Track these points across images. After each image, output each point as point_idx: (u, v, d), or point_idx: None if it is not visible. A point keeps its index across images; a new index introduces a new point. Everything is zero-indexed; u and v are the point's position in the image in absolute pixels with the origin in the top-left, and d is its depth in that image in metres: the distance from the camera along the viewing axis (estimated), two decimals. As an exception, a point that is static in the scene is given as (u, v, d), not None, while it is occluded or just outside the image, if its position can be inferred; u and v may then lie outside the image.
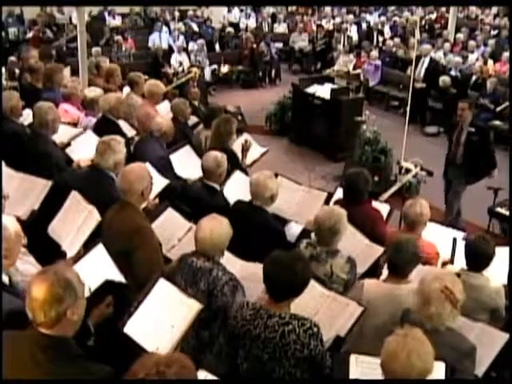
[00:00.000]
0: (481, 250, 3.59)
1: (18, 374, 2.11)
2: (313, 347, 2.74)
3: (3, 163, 4.33)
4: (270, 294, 2.83)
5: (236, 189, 4.58)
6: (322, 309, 3.15)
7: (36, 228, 3.86)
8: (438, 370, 2.52)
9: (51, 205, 4.01)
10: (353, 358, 2.69)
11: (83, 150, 4.92)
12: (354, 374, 2.66)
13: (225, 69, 13.23)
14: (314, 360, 2.79)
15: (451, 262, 4.00)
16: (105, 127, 5.26)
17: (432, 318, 2.79)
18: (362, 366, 2.67)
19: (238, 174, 4.79)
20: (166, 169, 4.73)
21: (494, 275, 3.67)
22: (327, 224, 3.57)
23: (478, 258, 3.61)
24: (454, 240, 4.05)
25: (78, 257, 3.32)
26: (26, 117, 5.46)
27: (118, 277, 3.19)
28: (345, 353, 2.89)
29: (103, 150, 4.10)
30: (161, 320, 2.82)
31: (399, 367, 2.26)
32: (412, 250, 3.27)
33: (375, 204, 4.63)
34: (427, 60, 11.27)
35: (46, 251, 3.73)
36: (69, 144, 5.05)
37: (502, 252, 3.81)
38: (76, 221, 3.73)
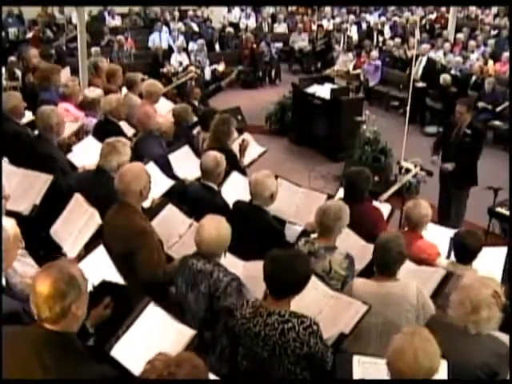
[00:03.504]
0: (467, 242, 3.68)
1: (21, 371, 2.10)
2: (312, 345, 2.75)
3: (5, 159, 4.33)
4: (270, 292, 2.84)
5: (234, 189, 4.58)
6: (325, 308, 3.15)
7: (37, 230, 3.87)
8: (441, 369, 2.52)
9: (54, 208, 4.00)
10: (355, 358, 2.71)
11: (85, 155, 4.92)
12: (356, 374, 2.67)
13: (221, 67, 13.19)
14: (314, 357, 2.80)
15: (448, 258, 4.02)
16: (106, 128, 5.27)
17: (480, 324, 2.79)
18: (363, 366, 2.68)
19: (235, 175, 4.78)
20: (164, 167, 4.73)
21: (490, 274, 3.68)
22: (332, 209, 3.63)
23: (465, 251, 3.70)
24: (451, 239, 4.06)
25: (79, 258, 3.32)
26: (28, 117, 5.45)
27: (117, 278, 3.18)
28: (347, 353, 2.90)
29: (108, 151, 4.11)
30: (150, 345, 2.74)
31: (405, 365, 2.25)
32: (397, 248, 3.29)
33: (376, 204, 4.63)
34: (424, 59, 11.26)
35: (46, 253, 3.73)
36: (70, 150, 5.04)
37: (498, 252, 3.84)
38: (78, 223, 3.74)
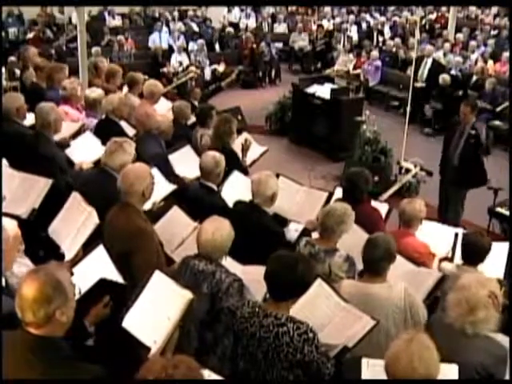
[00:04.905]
0: (478, 243, 3.67)
1: (11, 373, 2.10)
2: (306, 352, 2.68)
3: (6, 163, 4.32)
4: (270, 293, 2.83)
5: (235, 189, 4.58)
6: (335, 319, 3.12)
7: (35, 229, 3.86)
8: (451, 373, 2.54)
9: (53, 208, 3.98)
10: (364, 361, 2.69)
11: (82, 151, 4.91)
12: (365, 376, 2.66)
13: (221, 67, 13.20)
14: (309, 366, 2.73)
15: (451, 257, 4.01)
16: (107, 128, 5.26)
17: (477, 324, 2.80)
18: (373, 369, 2.65)
19: (236, 175, 4.77)
20: (161, 167, 4.71)
21: (491, 270, 3.71)
22: (337, 212, 3.63)
23: (475, 252, 3.69)
24: (456, 235, 4.06)
25: (78, 258, 3.31)
26: (29, 118, 5.45)
27: (117, 278, 3.18)
28: (355, 357, 2.87)
29: (114, 149, 4.09)
30: (157, 312, 2.80)
31: (401, 370, 2.25)
32: (384, 246, 3.29)
33: (374, 203, 4.63)
34: (430, 61, 11.24)
35: (47, 253, 3.72)
36: (68, 145, 5.03)
37: (499, 247, 3.85)
38: (76, 222, 3.72)
